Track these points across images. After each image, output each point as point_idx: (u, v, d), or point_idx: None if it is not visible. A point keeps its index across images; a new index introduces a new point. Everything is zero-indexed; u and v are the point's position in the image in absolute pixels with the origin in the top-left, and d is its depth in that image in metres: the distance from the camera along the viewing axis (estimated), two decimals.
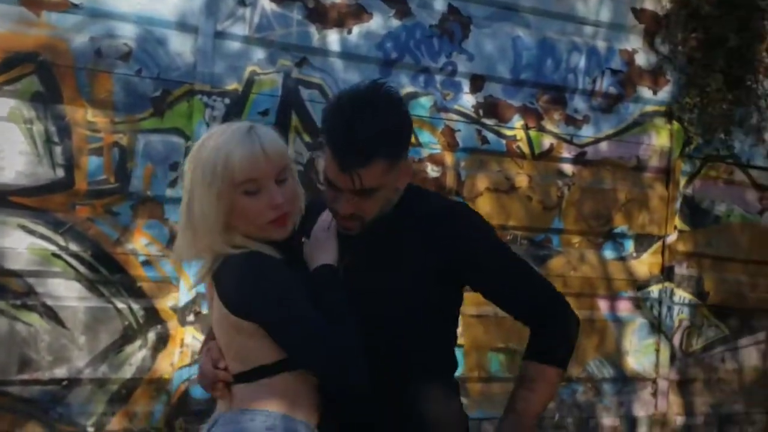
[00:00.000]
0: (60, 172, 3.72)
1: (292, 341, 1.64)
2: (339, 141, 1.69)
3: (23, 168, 3.66)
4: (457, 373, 4.87)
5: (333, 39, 4.31)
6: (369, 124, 1.67)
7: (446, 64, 4.57)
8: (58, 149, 3.72)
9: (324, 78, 4.29)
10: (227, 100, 4.08)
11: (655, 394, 5.14)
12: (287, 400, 1.71)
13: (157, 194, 3.93)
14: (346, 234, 1.79)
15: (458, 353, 4.43)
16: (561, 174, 4.91)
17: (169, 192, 3.95)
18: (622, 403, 5.07)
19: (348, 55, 4.34)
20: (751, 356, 5.61)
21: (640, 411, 5.11)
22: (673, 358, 5.23)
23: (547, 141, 4.85)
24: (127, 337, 3.88)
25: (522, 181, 4.78)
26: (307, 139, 4.26)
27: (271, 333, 1.65)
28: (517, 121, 4.77)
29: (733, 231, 5.51)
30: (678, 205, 5.23)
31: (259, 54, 4.15)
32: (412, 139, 4.30)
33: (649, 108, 5.17)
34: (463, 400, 4.39)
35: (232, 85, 4.09)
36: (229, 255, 1.68)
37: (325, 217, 1.84)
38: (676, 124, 5.18)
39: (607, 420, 5.00)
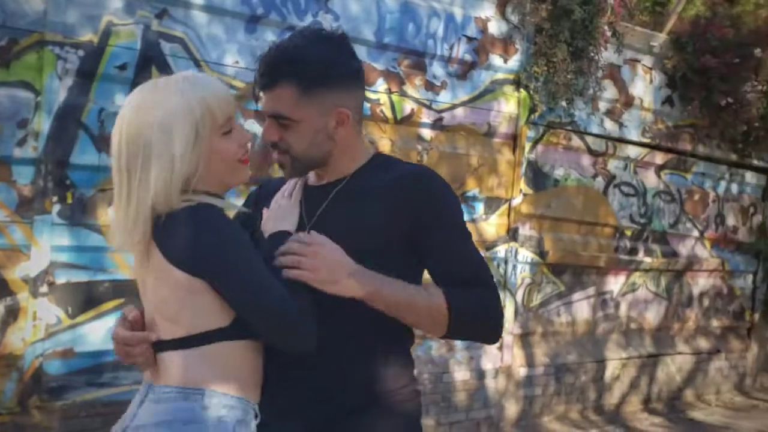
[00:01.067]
0: None
1: (244, 294, 1.54)
2: (259, 63, 1.69)
3: None
4: None
5: None
6: (285, 49, 1.66)
7: (312, 23, 4.46)
8: None
9: (186, 32, 4.05)
10: (81, 52, 3.74)
11: (501, 348, 5.45)
12: (235, 376, 1.60)
13: (3, 154, 3.55)
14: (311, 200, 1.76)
15: None
16: (421, 138, 5.01)
17: (17, 152, 3.59)
18: (472, 357, 5.34)
19: (212, 8, 4.12)
20: (582, 310, 6.10)
21: (488, 364, 5.40)
22: (516, 313, 5.57)
23: (409, 106, 4.92)
24: None
25: (385, 145, 4.82)
26: None
27: (222, 283, 1.55)
28: (381, 85, 4.78)
29: (569, 194, 5.92)
30: (523, 169, 5.52)
31: (116, 3, 3.83)
32: None
33: (500, 76, 5.38)
34: None
35: (87, 36, 3.75)
36: (177, 210, 1.55)
37: (287, 186, 1.77)
38: (523, 92, 5.44)
39: (459, 374, 5.24)
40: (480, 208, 5.34)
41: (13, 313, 3.62)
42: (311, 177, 1.81)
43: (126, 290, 3.91)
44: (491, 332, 1.81)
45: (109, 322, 3.87)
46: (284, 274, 1.55)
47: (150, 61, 3.95)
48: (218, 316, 1.58)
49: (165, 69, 3.98)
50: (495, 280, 5.28)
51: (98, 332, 3.86)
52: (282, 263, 1.57)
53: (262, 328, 1.57)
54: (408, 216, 1.66)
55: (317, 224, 1.71)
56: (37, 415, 3.67)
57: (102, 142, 3.81)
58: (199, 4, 4.08)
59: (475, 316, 1.71)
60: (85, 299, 3.83)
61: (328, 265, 1.56)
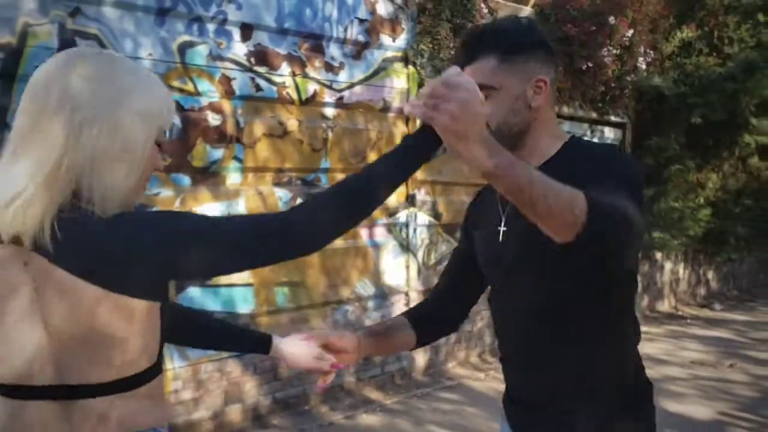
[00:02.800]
0: None
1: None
2: (461, 44, 1.76)
3: None
4: (248, 310, 5.20)
5: None
6: (483, 27, 1.78)
7: (217, 13, 4.66)
8: None
9: (100, 28, 4.16)
10: (1, 54, 3.79)
11: (408, 304, 5.93)
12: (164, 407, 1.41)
13: None
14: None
15: (249, 291, 4.76)
16: (324, 117, 5.33)
17: None
18: (383, 315, 5.78)
19: (122, 3, 4.24)
20: None
21: None
22: (419, 272, 6.06)
23: (312, 87, 5.22)
24: None
25: (293, 125, 5.11)
26: None
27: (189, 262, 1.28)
28: (286, 69, 5.05)
29: (456, 159, 6.41)
30: None
31: (30, 4, 3.89)
32: (192, 88, 4.43)
33: (390, 54, 5.77)
34: None
35: (5, 39, 3.80)
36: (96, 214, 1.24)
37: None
38: (411, 68, 5.86)
39: None
40: None
41: None
42: None
43: None
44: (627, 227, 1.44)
45: None
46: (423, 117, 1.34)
47: None
48: (154, 343, 1.32)
49: None
50: (398, 243, 5.74)
51: None
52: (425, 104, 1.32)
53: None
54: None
55: (511, 216, 1.70)
56: None
57: None
58: (110, 1, 4.19)
59: (613, 207, 1.38)
60: None
61: (468, 117, 1.30)
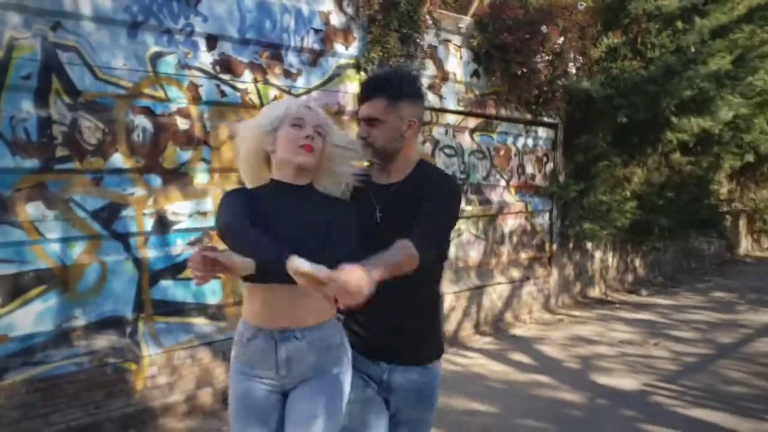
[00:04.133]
0: None
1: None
2: (361, 86, 2.67)
3: None
4: (216, 301, 5.53)
5: (84, 3, 4.49)
6: (378, 75, 2.81)
7: (185, 26, 5.01)
8: None
9: (79, 41, 4.47)
10: None
11: None
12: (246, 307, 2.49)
13: None
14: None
15: (216, 283, 5.14)
16: None
17: None
18: None
19: (99, 18, 4.56)
20: None
21: None
22: None
23: (272, 92, 5.61)
24: None
25: None
26: (67, 100, 4.44)
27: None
28: (248, 76, 5.43)
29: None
30: None
31: (15, 18, 4.19)
32: (162, 95, 4.78)
33: (343, 61, 6.19)
34: (222, 323, 5.10)
35: None
36: None
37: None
38: (363, 74, 6.29)
39: None
40: None
41: None
42: (379, 177, 2.60)
43: (47, 278, 4.36)
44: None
45: (36, 308, 4.31)
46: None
47: (50, 70, 4.35)
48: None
49: (63, 76, 4.39)
50: None
51: (27, 317, 4.29)
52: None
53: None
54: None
55: (384, 207, 2.52)
56: None
57: (15, 147, 4.19)
58: (87, 15, 4.50)
59: (428, 246, 2.39)
60: (13, 289, 4.24)
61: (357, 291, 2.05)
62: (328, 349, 2.43)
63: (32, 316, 4.31)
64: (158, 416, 4.88)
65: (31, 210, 4.30)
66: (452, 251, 7.57)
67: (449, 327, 7.38)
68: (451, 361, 6.50)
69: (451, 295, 7.40)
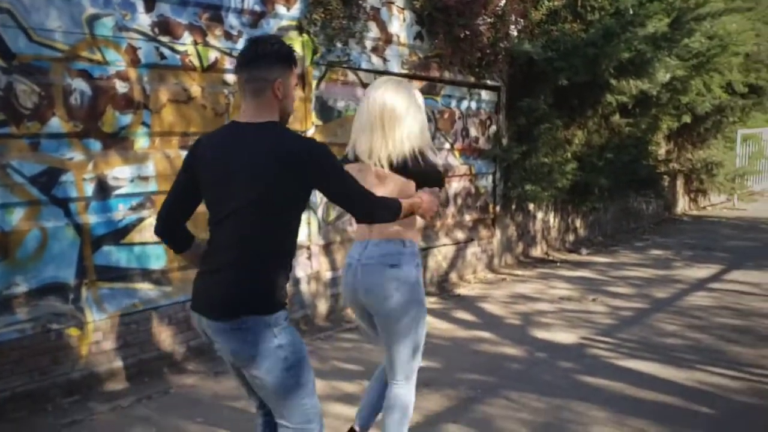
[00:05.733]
0: None
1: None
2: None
3: None
4: (160, 266, 5.46)
5: None
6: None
7: None
8: None
9: (12, 2, 4.35)
10: None
11: (309, 258, 6.43)
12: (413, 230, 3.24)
13: None
14: None
15: (160, 248, 5.10)
16: (225, 83, 5.68)
17: None
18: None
19: None
20: None
21: (301, 272, 6.37)
22: (319, 228, 6.55)
23: (213, 55, 5.55)
24: None
25: (196, 91, 5.44)
26: (1, 63, 4.33)
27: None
28: (188, 38, 5.36)
29: (350, 122, 6.89)
30: (313, 104, 6.42)
31: None
32: (100, 57, 4.71)
33: (285, 23, 6.15)
34: (166, 288, 5.10)
35: None
36: None
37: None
38: (306, 36, 6.27)
39: None
40: None
41: None
42: None
43: None
44: None
45: None
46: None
47: None
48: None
49: None
50: None
51: None
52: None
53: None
54: None
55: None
56: None
57: None
58: None
59: None
60: None
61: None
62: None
63: None
64: (104, 381, 4.88)
65: None
66: None
67: None
68: None
69: None
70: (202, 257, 2.66)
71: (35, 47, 4.48)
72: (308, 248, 6.44)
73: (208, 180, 2.58)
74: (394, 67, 7.35)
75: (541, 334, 6.22)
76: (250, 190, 2.45)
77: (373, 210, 2.67)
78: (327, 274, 6.65)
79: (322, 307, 6.62)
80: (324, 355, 5.63)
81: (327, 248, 6.69)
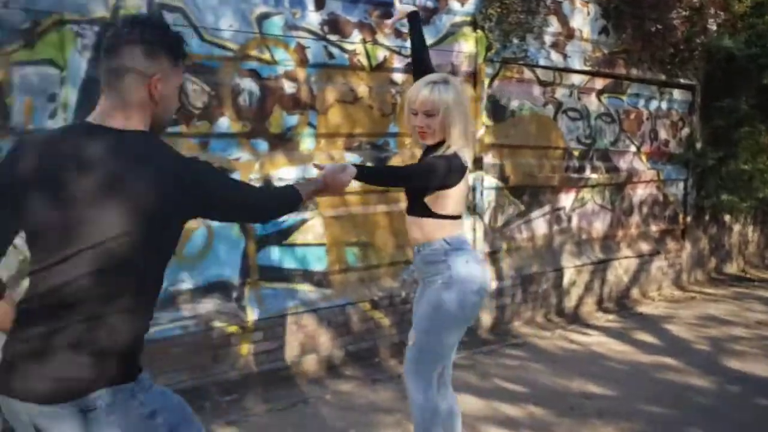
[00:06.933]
0: None
1: None
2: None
3: None
4: (321, 268, 5.40)
5: None
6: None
7: None
8: None
9: (186, 2, 4.41)
10: (96, 28, 4.09)
11: None
12: None
13: (38, 126, 3.91)
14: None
15: (321, 250, 5.02)
16: (393, 83, 5.50)
17: (50, 123, 3.95)
18: None
19: None
20: (540, 226, 6.81)
21: None
22: (485, 234, 6.22)
23: (382, 53, 5.39)
24: None
25: (363, 91, 5.31)
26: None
27: None
28: (357, 36, 5.23)
29: (524, 122, 6.54)
30: (484, 103, 6.10)
31: None
32: (269, 57, 4.64)
33: (458, 19, 5.88)
34: (327, 291, 5.02)
35: (100, 13, 4.09)
36: None
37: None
38: (480, 33, 5.96)
39: None
40: None
41: None
42: None
43: None
44: None
45: None
46: None
47: None
48: None
49: None
50: (465, 206, 5.73)
51: None
52: None
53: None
54: None
55: None
56: None
57: None
58: None
59: None
60: None
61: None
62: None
63: None
64: (261, 382, 4.85)
65: None
66: (575, 222, 7.16)
67: (569, 303, 7.01)
68: (569, 338, 6.16)
69: (572, 268, 7.00)
70: (19, 315, 1.85)
71: (206, 47, 4.52)
72: None
73: (35, 203, 1.81)
74: (576, 63, 6.86)
75: (734, 363, 5.50)
76: (108, 220, 1.78)
77: (266, 212, 2.29)
78: (492, 284, 6.30)
79: (486, 318, 6.29)
80: (485, 371, 5.30)
81: (492, 256, 6.34)
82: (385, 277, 5.57)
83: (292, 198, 2.31)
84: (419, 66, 3.47)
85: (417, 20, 3.58)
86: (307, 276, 5.12)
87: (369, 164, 3.14)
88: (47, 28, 3.92)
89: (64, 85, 3.99)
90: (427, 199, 3.06)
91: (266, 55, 4.80)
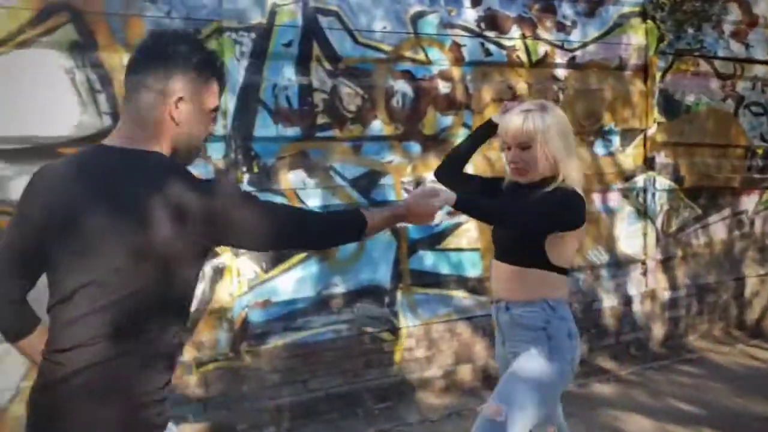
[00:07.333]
0: (106, 120, 3.75)
1: None
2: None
3: (69, 119, 3.67)
4: (476, 274, 5.19)
5: None
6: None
7: None
8: (101, 97, 3.74)
9: (340, 5, 4.38)
10: (253, 35, 4.14)
11: (645, 274, 5.69)
12: None
13: None
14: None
15: (476, 255, 4.81)
16: (555, 79, 5.21)
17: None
18: (618, 285, 5.59)
19: None
20: (719, 231, 6.23)
21: (633, 290, 5.66)
22: (657, 239, 5.76)
23: (542, 48, 5.12)
24: None
25: (522, 88, 5.06)
26: (327, 66, 4.37)
27: None
28: (515, 32, 5.00)
29: (700, 118, 6.00)
30: (655, 98, 5.65)
31: None
32: (423, 57, 4.51)
33: (626, 9, 5.48)
34: (482, 298, 4.83)
35: (257, 19, 4.14)
36: None
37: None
38: (650, 23, 5.53)
39: (607, 302, 5.52)
40: (616, 140, 5.53)
41: (220, 271, 4.12)
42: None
43: None
44: None
45: (297, 274, 4.35)
46: None
47: (311, 36, 4.30)
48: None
49: (324, 41, 4.33)
50: (635, 209, 5.59)
51: (289, 283, 4.35)
52: None
53: None
54: None
55: None
56: (247, 359, 4.20)
57: (277, 115, 4.22)
58: None
59: None
60: (276, 255, 4.31)
61: None
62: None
63: (294, 283, 4.36)
64: (415, 390, 4.74)
65: (292, 178, 4.32)
66: (758, 226, 6.49)
67: (751, 315, 6.37)
68: (751, 355, 5.59)
69: (755, 278, 6.36)
70: (41, 360, 1.71)
71: (360, 49, 4.47)
72: (643, 263, 5.69)
73: (51, 233, 1.69)
74: (758, 53, 6.21)
75: None
76: (115, 251, 1.63)
77: (313, 238, 1.96)
78: (664, 294, 5.82)
79: (658, 330, 5.82)
80: (656, 389, 4.88)
81: (666, 263, 5.86)
82: None
83: (352, 225, 2.00)
84: (457, 166, 2.90)
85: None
86: (462, 282, 4.95)
87: (471, 194, 2.68)
88: (207, 36, 4.01)
89: (223, 93, 4.05)
90: (547, 243, 2.53)
91: (420, 56, 4.68)
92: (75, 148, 3.62)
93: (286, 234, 1.85)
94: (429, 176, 4.74)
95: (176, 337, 1.74)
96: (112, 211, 1.63)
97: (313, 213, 2.04)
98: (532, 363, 2.52)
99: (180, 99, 1.72)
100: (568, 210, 2.52)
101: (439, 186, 2.47)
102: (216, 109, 1.84)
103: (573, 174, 2.55)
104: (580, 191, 2.56)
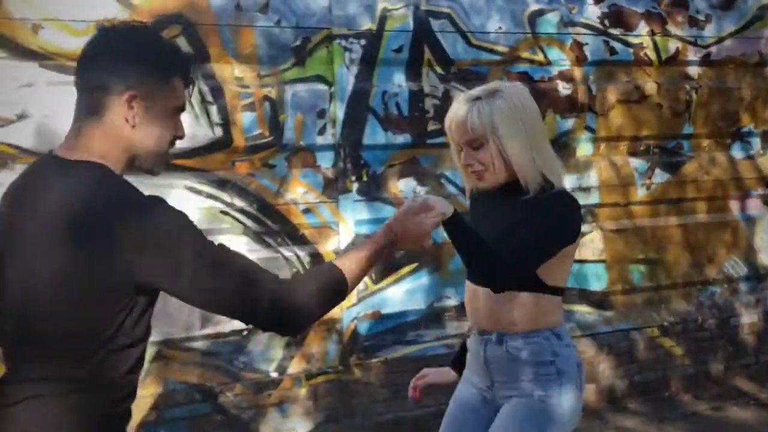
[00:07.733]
0: (218, 131, 3.76)
1: None
2: None
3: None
4: (600, 288, 4.88)
5: None
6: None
7: None
8: (213, 108, 3.76)
9: (452, 6, 4.22)
10: (363, 41, 4.05)
11: None
12: None
13: (308, 143, 3.96)
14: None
15: (601, 267, 4.52)
16: (688, 77, 4.84)
17: (320, 140, 3.98)
18: (758, 300, 5.13)
19: None
20: None
21: None
22: None
23: (673, 45, 4.77)
24: None
25: (651, 88, 4.72)
26: (439, 71, 4.23)
27: None
28: (643, 28, 4.67)
29: None
30: None
31: None
32: (542, 58, 4.27)
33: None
34: (608, 312, 4.53)
35: (367, 25, 4.05)
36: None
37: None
38: None
39: (746, 317, 5.07)
40: (756, 143, 5.09)
41: None
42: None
43: (419, 256, 4.23)
44: None
45: (408, 285, 4.22)
46: None
47: (422, 40, 4.17)
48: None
49: (435, 45, 4.19)
50: None
51: (399, 295, 4.22)
52: None
53: None
54: None
55: None
56: (357, 372, 4.11)
57: (387, 123, 4.12)
58: None
59: None
60: (386, 266, 4.20)
61: None
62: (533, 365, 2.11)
63: (404, 294, 4.23)
64: None
65: (402, 186, 4.20)
66: None
67: None
68: None
69: None
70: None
71: (474, 52, 4.29)
72: None
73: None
74: None
75: None
76: (38, 271, 1.46)
77: (269, 310, 1.56)
78: None
79: None
80: None
81: None
82: (677, 299, 4.91)
83: (328, 289, 1.65)
84: None
85: None
86: (585, 296, 4.66)
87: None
88: (317, 44, 3.96)
89: (332, 101, 4.00)
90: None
91: (539, 56, 4.44)
92: (189, 160, 3.68)
93: (230, 290, 1.51)
94: None
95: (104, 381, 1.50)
96: (35, 231, 1.46)
97: (275, 278, 1.57)
98: (534, 407, 2.12)
99: (133, 97, 1.51)
100: (566, 225, 2.10)
101: (434, 198, 1.95)
102: (182, 109, 1.63)
103: (550, 170, 2.10)
104: (566, 189, 2.17)
